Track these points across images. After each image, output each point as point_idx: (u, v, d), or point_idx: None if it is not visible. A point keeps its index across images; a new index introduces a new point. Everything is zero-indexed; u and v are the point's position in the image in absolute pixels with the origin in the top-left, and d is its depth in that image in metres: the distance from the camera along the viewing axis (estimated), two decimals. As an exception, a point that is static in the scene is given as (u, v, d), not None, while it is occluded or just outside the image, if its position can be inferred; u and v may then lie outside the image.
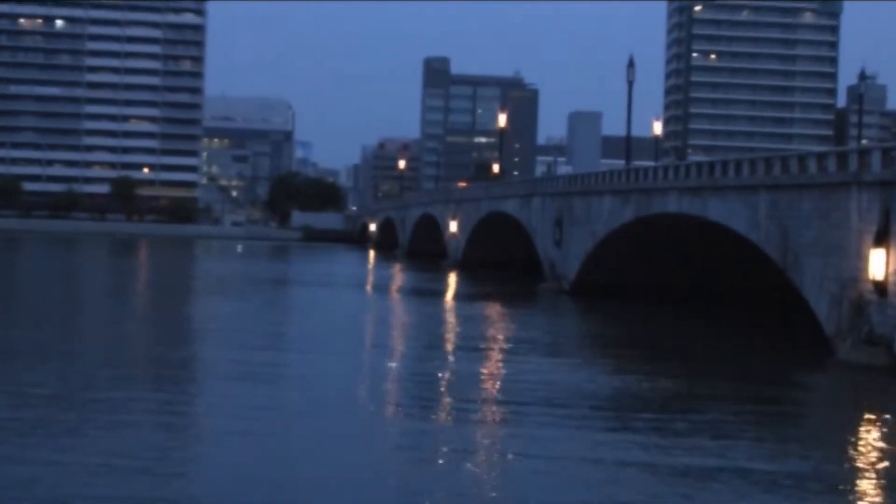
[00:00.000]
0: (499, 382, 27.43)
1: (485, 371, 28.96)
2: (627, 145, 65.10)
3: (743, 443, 20.57)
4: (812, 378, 32.24)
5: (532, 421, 22.01)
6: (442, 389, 25.90)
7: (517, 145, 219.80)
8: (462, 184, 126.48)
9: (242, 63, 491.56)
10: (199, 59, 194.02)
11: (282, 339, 35.51)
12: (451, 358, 31.91)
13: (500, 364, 30.83)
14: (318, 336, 35.98)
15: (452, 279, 76.84)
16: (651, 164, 65.66)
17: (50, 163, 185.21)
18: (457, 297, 60.34)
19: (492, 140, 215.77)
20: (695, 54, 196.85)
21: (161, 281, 64.53)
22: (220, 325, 38.18)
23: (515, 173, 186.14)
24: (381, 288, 63.23)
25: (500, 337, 37.98)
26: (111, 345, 31.80)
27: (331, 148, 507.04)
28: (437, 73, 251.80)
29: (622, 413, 23.50)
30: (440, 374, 27.89)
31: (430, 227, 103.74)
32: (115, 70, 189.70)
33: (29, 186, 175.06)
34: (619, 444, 19.86)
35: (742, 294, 55.20)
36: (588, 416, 22.96)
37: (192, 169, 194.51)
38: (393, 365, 29.42)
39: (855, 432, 22.66)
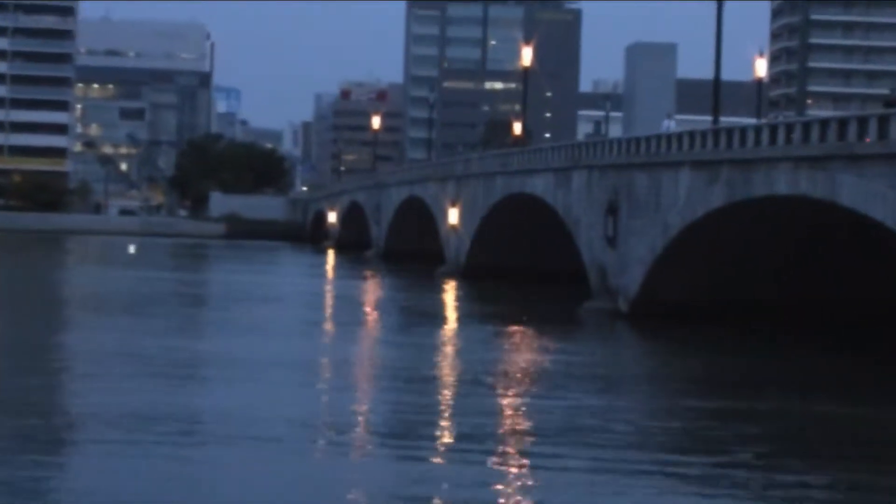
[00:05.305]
0: None
1: None
2: (716, 94, 64.67)
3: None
4: None
5: None
6: None
7: (549, 94, 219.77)
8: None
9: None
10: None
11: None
12: None
13: None
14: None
15: (449, 300, 76.62)
16: (752, 121, 65.31)
17: None
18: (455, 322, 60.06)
19: (511, 86, 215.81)
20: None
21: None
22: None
23: (547, 136, 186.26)
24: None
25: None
26: None
27: (269, 98, 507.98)
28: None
29: None
30: None
31: (419, 217, 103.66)
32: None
33: None
34: None
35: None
36: None
37: (61, 129, 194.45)
38: None
39: None
